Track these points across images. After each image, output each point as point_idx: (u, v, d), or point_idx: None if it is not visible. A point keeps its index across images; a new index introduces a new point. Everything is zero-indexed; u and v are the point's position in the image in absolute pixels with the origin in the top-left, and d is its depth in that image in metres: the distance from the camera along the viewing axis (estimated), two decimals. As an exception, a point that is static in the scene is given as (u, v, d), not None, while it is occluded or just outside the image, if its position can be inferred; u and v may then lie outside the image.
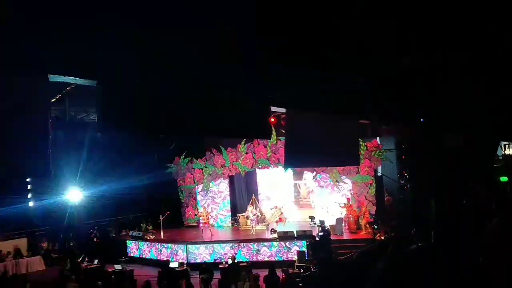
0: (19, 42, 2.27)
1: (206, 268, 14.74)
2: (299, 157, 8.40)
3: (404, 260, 1.15)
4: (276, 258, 17.43)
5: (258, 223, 20.79)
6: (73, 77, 3.70)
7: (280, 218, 21.49)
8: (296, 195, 23.39)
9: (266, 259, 17.49)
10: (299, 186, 23.27)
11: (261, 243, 18.15)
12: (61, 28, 2.26)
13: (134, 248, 20.89)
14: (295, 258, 16.72)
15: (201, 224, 22.73)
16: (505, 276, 1.16)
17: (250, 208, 21.46)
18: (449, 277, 1.08)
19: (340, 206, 19.49)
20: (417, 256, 1.15)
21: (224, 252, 18.18)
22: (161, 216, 21.23)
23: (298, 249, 17.25)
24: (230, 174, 23.16)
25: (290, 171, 21.90)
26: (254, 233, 19.79)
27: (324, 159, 9.36)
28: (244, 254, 17.99)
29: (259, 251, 17.97)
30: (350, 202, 19.77)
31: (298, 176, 23.10)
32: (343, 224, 19.09)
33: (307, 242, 17.20)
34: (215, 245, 18.60)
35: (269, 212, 22.28)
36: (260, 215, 21.53)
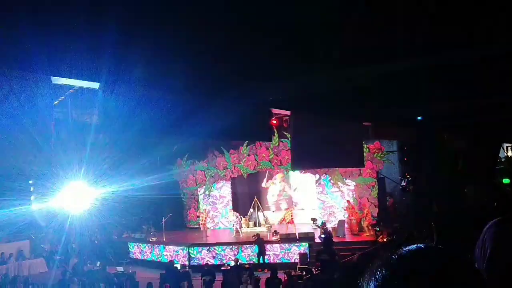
0: (23, 45, 2.29)
1: (208, 270, 14.74)
2: (305, 158, 8.44)
3: (401, 261, 1.15)
4: (278, 261, 17.40)
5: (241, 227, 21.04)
6: (76, 79, 3.74)
7: (289, 220, 20.69)
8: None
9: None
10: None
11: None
12: (65, 31, 2.29)
13: (136, 250, 20.90)
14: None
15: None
16: (500, 280, 1.17)
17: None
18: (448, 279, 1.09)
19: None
20: (417, 258, 1.15)
21: (225, 254, 18.17)
22: (163, 218, 21.24)
23: (301, 251, 17.20)
24: (232, 176, 23.17)
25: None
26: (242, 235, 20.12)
27: (330, 160, 9.40)
28: (246, 256, 17.98)
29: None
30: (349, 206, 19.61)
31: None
32: (346, 225, 19.05)
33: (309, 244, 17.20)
34: (217, 247, 18.60)
35: (274, 214, 22.14)
36: (263, 217, 21.49)
